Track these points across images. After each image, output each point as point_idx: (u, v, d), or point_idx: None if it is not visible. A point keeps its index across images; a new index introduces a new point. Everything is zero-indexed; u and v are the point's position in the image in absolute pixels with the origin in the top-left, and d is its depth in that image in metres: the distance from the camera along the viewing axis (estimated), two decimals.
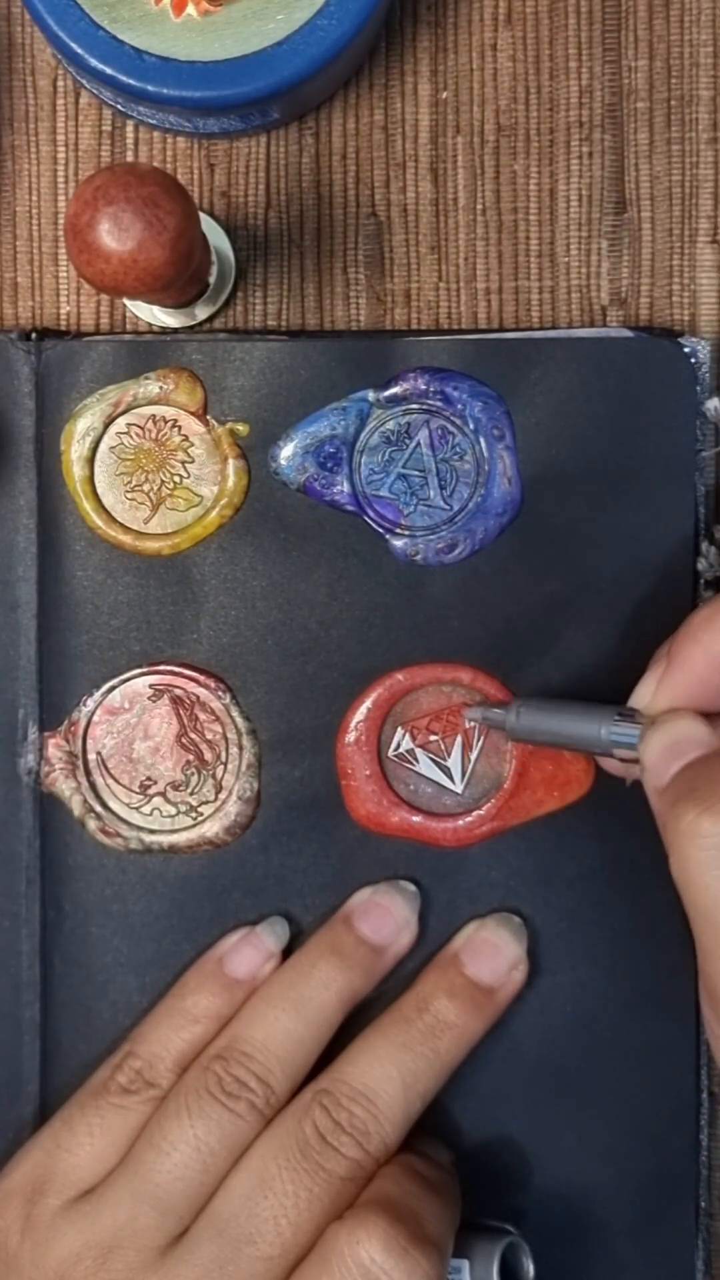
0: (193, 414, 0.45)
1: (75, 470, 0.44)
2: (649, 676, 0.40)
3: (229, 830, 0.45)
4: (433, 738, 0.45)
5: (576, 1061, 0.45)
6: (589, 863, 0.45)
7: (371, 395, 0.44)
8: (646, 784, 0.39)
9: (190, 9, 0.41)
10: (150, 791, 0.45)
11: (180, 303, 0.44)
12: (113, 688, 0.45)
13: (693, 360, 0.44)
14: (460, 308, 0.46)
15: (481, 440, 0.44)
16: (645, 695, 0.40)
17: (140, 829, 0.45)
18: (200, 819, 0.45)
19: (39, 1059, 0.45)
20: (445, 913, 0.45)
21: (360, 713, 0.45)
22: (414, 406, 0.45)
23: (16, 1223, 0.42)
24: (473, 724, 0.45)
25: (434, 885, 0.45)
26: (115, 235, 0.37)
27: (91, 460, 0.45)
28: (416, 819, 0.45)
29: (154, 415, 0.45)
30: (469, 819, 0.45)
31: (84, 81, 0.44)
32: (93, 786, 0.45)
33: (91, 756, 0.45)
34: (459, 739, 0.45)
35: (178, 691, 0.45)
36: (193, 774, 0.45)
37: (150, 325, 0.46)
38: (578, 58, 0.45)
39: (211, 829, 0.45)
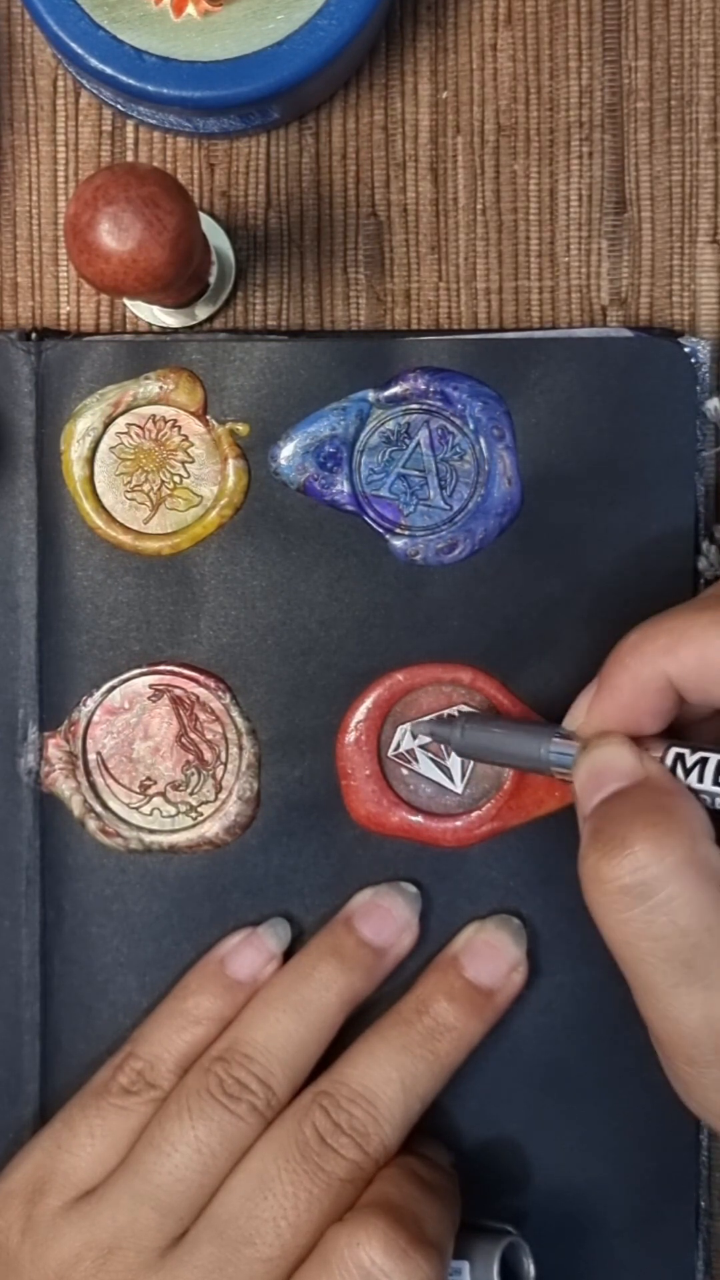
0: (193, 414, 0.45)
1: (75, 470, 0.44)
2: (582, 697, 0.40)
3: (229, 830, 0.45)
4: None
5: (576, 1061, 0.45)
6: None
7: (371, 395, 0.44)
8: (579, 815, 0.39)
9: (190, 9, 0.41)
10: (150, 791, 0.45)
11: (180, 303, 0.44)
12: (113, 688, 0.45)
13: (692, 360, 0.44)
14: (460, 308, 0.46)
15: (481, 440, 0.44)
16: (578, 717, 0.40)
17: (140, 829, 0.45)
18: (200, 819, 0.45)
19: (39, 1059, 0.45)
20: (445, 913, 0.45)
21: (360, 713, 0.45)
22: (414, 406, 0.45)
23: (17, 1223, 0.42)
24: (421, 740, 0.45)
25: (434, 885, 0.45)
26: (115, 235, 0.37)
27: (91, 460, 0.45)
28: (416, 819, 0.45)
29: (154, 415, 0.45)
30: (469, 819, 0.45)
31: (84, 81, 0.44)
32: (93, 786, 0.45)
33: (91, 756, 0.45)
34: None
35: (178, 691, 0.45)
36: (193, 774, 0.45)
37: (150, 325, 0.46)
38: (578, 58, 0.45)
39: (211, 829, 0.45)
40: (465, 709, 0.45)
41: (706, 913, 0.36)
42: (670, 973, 0.36)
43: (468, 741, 0.42)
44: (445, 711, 0.45)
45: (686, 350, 0.44)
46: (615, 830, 0.37)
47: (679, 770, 0.39)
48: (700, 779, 0.38)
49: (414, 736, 0.45)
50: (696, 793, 0.38)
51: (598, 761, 0.39)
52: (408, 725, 0.45)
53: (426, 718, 0.45)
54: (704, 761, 0.38)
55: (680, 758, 0.39)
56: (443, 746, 0.45)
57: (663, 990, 0.37)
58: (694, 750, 0.39)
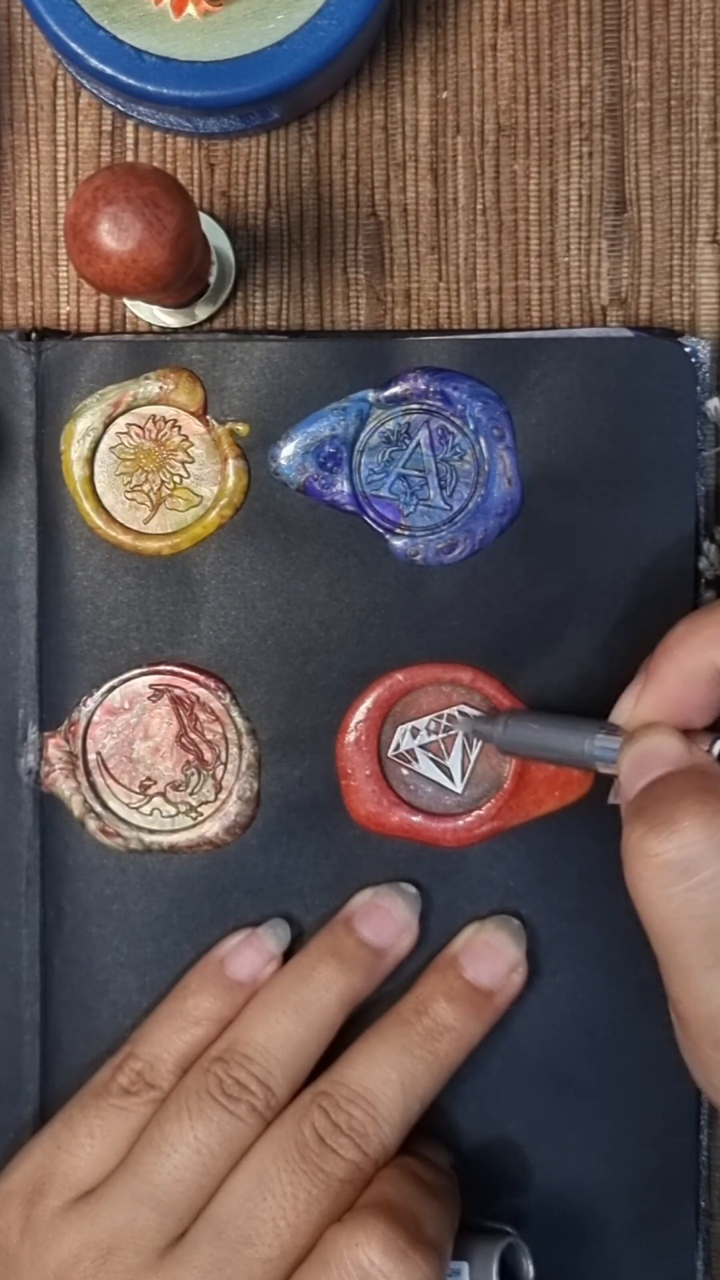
0: (193, 414, 0.45)
1: (75, 470, 0.44)
2: (630, 691, 0.40)
3: (229, 830, 0.45)
4: (432, 737, 0.45)
5: (576, 1061, 0.45)
6: (589, 863, 0.45)
7: (371, 395, 0.44)
8: (621, 798, 0.39)
9: (190, 9, 0.41)
10: (150, 791, 0.45)
11: (180, 303, 0.44)
12: (113, 688, 0.45)
13: (693, 360, 0.44)
14: (460, 308, 0.46)
15: (481, 440, 0.44)
16: (625, 710, 0.40)
17: (140, 829, 0.45)
18: (200, 819, 0.45)
19: (39, 1059, 0.45)
20: (445, 913, 0.45)
21: (360, 713, 0.45)
22: (414, 406, 0.45)
23: (16, 1223, 0.42)
24: (462, 734, 0.45)
25: (434, 885, 0.45)
26: (115, 235, 0.37)
27: (91, 460, 0.45)
28: (416, 819, 0.45)
29: (154, 415, 0.45)
30: (469, 819, 0.45)
31: (84, 81, 0.44)
32: (93, 786, 0.45)
33: (91, 756, 0.45)
34: (459, 739, 0.45)
35: (178, 691, 0.45)
36: (193, 774, 0.45)
37: (150, 325, 0.46)
38: (578, 58, 0.45)
39: (211, 829, 0.45)
40: (474, 709, 0.45)
41: None
42: (707, 953, 0.36)
43: (509, 737, 0.42)
44: (447, 711, 0.45)
45: (687, 350, 0.44)
46: (662, 807, 0.37)
47: None
48: None
49: (440, 730, 0.45)
50: None
51: (644, 749, 0.39)
52: (408, 725, 0.45)
53: (470, 715, 0.45)
54: None
55: None
56: (442, 745, 0.45)
57: (697, 970, 0.36)
58: None
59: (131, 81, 0.41)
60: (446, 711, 0.45)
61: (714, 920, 0.36)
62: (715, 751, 0.39)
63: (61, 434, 0.44)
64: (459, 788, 0.45)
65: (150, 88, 0.41)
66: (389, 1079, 0.42)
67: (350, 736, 0.45)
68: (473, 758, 0.45)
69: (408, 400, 0.44)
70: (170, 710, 0.45)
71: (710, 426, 0.45)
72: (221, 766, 0.45)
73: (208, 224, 0.45)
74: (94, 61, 0.41)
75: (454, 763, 0.45)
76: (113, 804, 0.45)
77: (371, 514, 0.45)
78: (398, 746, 0.45)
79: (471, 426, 0.44)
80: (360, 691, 0.45)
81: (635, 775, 0.39)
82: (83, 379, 0.44)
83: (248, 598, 0.45)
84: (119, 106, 0.44)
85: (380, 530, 0.45)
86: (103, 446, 0.45)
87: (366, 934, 0.44)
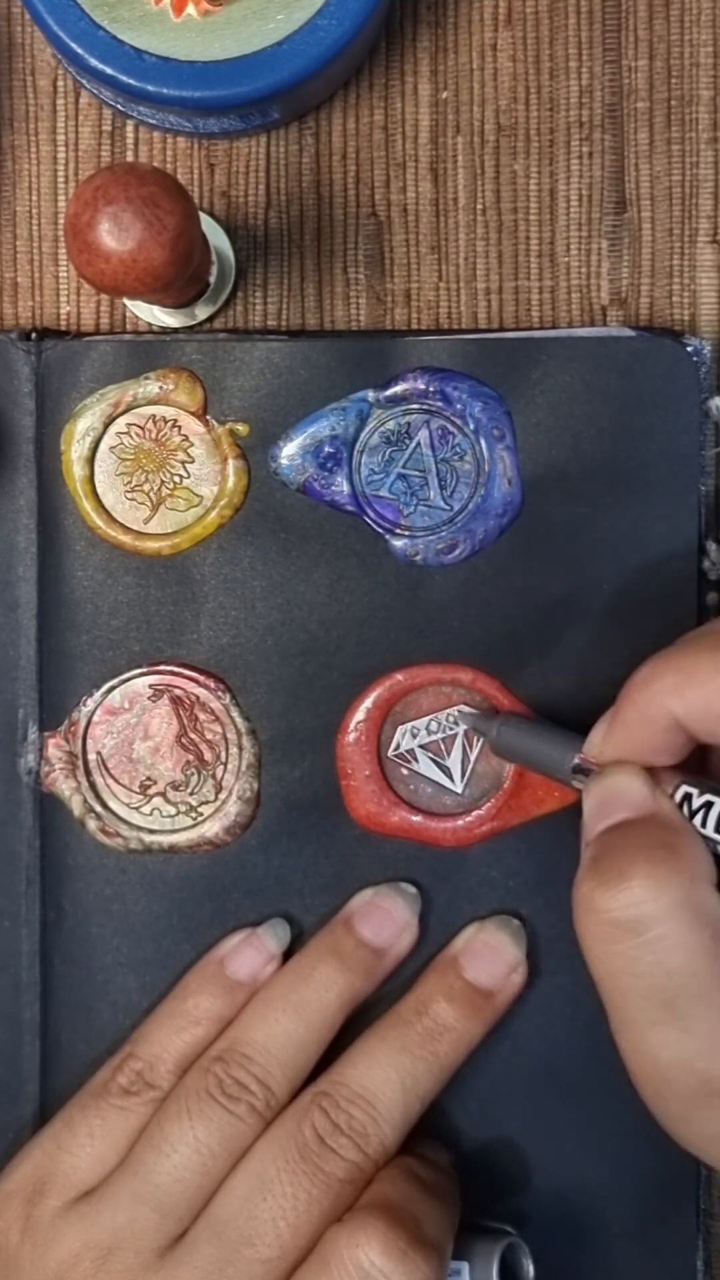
0: (193, 414, 0.45)
1: (75, 470, 0.44)
2: (601, 722, 0.40)
3: (229, 830, 0.45)
4: (432, 737, 0.45)
5: (576, 1062, 0.45)
6: None
7: (371, 395, 0.44)
8: (583, 838, 0.39)
9: (190, 9, 0.41)
10: (150, 791, 0.45)
11: (180, 303, 0.44)
12: (113, 688, 0.45)
13: (695, 359, 0.44)
14: (460, 308, 0.46)
15: (481, 440, 0.44)
16: (595, 743, 0.40)
17: (140, 829, 0.45)
18: (200, 819, 0.45)
19: (39, 1059, 0.45)
20: (445, 913, 0.45)
21: (360, 713, 0.45)
22: (414, 406, 0.45)
23: (16, 1223, 0.42)
24: (462, 732, 0.45)
25: (434, 885, 0.45)
26: (115, 235, 0.37)
27: (91, 460, 0.45)
28: (416, 819, 0.45)
29: (154, 415, 0.45)
30: (469, 819, 0.45)
31: (84, 81, 0.44)
32: (93, 786, 0.45)
33: (91, 756, 0.45)
34: (459, 739, 0.45)
35: (178, 691, 0.45)
36: (193, 774, 0.45)
37: (150, 325, 0.46)
38: (578, 58, 0.45)
39: (211, 829, 0.45)
40: (474, 708, 0.45)
41: (695, 956, 0.36)
42: (649, 1010, 0.36)
43: (502, 740, 0.42)
44: (446, 711, 0.45)
45: (689, 349, 0.44)
46: (615, 861, 0.37)
47: (685, 809, 0.38)
48: (704, 823, 0.38)
49: (441, 730, 0.45)
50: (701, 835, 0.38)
51: (609, 789, 0.39)
52: (408, 725, 0.45)
53: (472, 711, 0.45)
54: (709, 806, 0.38)
55: (688, 797, 0.38)
56: (442, 745, 0.45)
57: (639, 1025, 0.37)
58: (702, 792, 0.38)
59: (131, 81, 0.41)
60: (446, 711, 0.45)
61: (658, 979, 0.36)
62: (679, 795, 0.38)
63: (61, 434, 0.44)
64: (459, 788, 0.45)
65: (150, 88, 0.41)
66: (389, 1079, 0.42)
67: (350, 736, 0.45)
68: (472, 758, 0.45)
69: (408, 400, 0.44)
70: (170, 710, 0.45)
71: (712, 426, 0.45)
72: (221, 766, 0.45)
73: (208, 224, 0.45)
74: (94, 61, 0.41)
75: (454, 763, 0.45)
76: (113, 804, 0.45)
77: (371, 514, 0.45)
78: (398, 746, 0.45)
79: (471, 426, 0.44)
80: (360, 691, 0.45)
81: (597, 817, 0.38)
82: (83, 379, 0.44)
83: (248, 598, 0.45)
84: (119, 106, 0.44)
85: (380, 530, 0.45)
86: (103, 446, 0.45)
87: (366, 934, 0.44)
